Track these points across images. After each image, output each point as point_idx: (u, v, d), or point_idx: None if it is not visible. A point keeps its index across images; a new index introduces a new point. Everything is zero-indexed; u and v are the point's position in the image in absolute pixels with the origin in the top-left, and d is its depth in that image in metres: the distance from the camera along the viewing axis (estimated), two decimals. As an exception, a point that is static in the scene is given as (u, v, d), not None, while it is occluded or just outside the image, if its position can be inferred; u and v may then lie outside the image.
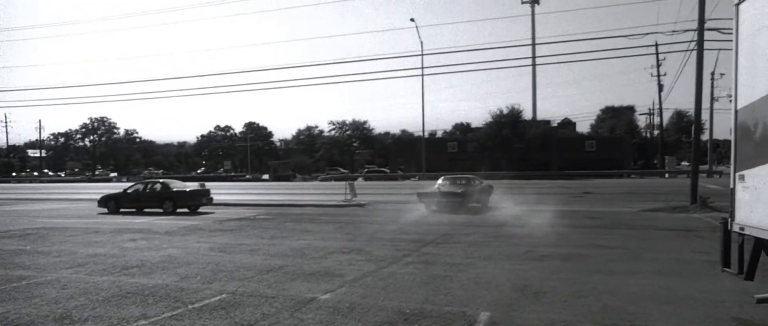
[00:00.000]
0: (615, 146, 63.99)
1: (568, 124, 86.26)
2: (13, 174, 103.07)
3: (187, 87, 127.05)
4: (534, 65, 71.08)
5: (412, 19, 54.97)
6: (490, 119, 62.59)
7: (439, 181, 22.54)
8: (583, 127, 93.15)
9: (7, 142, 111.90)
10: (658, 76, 50.18)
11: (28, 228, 16.40)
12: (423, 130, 63.46)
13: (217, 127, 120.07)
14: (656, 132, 64.51)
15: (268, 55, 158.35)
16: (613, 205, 21.99)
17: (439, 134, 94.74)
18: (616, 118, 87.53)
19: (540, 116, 76.64)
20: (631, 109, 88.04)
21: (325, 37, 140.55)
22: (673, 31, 43.33)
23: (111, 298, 7.16)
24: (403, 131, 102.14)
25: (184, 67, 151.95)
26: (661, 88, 50.58)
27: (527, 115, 67.65)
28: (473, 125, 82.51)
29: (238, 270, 9.00)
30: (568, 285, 7.68)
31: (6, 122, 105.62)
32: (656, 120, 60.39)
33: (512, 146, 58.14)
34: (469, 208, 20.22)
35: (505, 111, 61.65)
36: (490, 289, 7.48)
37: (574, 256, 10.07)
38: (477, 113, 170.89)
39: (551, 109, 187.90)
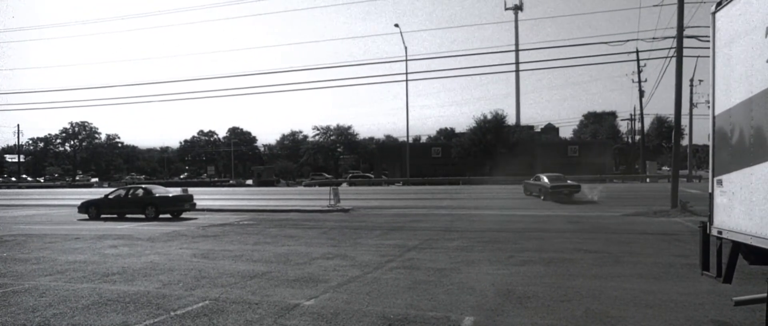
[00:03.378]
0: (597, 151, 64.65)
1: (551, 130, 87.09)
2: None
3: (170, 91, 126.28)
4: (517, 71, 71.74)
5: (396, 25, 55.19)
6: (473, 125, 62.94)
7: (544, 177, 28.71)
8: (566, 132, 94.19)
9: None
10: (639, 82, 50.83)
11: (5, 234, 16.13)
12: (407, 136, 63.67)
13: (201, 132, 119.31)
14: (638, 137, 65.33)
15: (252, 59, 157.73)
16: (594, 210, 22.21)
17: (424, 139, 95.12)
18: (598, 124, 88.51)
19: (523, 122, 77.47)
20: (613, 115, 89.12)
21: (309, 42, 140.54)
22: (654, 38, 44.04)
23: (91, 306, 7.06)
24: (388, 136, 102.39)
25: (168, 72, 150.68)
26: (642, 93, 51.23)
27: (511, 120, 68.27)
28: (457, 130, 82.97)
29: (222, 277, 8.93)
30: (552, 289, 7.74)
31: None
32: (637, 125, 61.17)
33: (496, 151, 58.51)
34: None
35: (489, 116, 62.02)
36: (474, 294, 7.51)
37: (557, 260, 10.15)
38: (461, 119, 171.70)
39: (534, 115, 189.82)
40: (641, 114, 54.58)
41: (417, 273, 9.13)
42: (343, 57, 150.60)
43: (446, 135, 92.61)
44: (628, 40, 63.49)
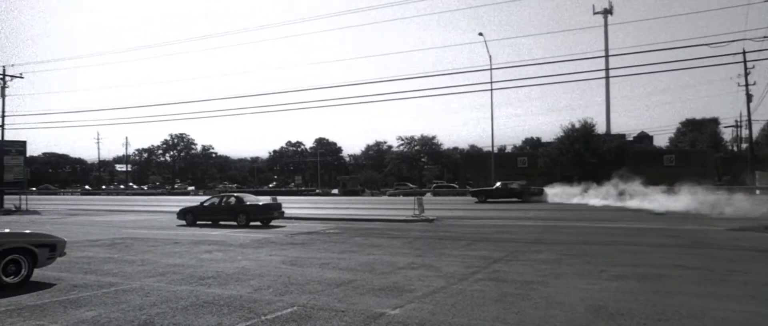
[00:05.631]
0: (697, 160, 60.69)
1: (644, 138, 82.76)
2: (103, 186, 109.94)
3: (260, 104, 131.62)
4: (607, 77, 68.77)
5: (480, 34, 54.50)
6: (561, 134, 61.05)
7: None
8: (661, 141, 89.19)
9: (99, 157, 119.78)
10: (746, 85, 47.16)
11: (116, 237, 17.38)
12: (492, 145, 62.72)
13: (289, 143, 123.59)
14: (745, 145, 60.67)
15: (338, 71, 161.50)
16: (694, 222, 20.82)
17: (509, 149, 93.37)
18: (697, 131, 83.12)
19: (614, 130, 74.01)
20: (714, 122, 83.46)
21: (394, 53, 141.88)
22: (765, 37, 40.70)
23: (189, 307, 7.46)
24: (472, 146, 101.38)
25: (258, 85, 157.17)
26: (749, 98, 47.56)
27: (600, 128, 65.52)
28: (544, 140, 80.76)
29: (309, 284, 9.16)
30: (647, 307, 7.32)
31: (98, 139, 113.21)
32: (744, 132, 56.85)
33: (584, 161, 56.39)
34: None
35: (577, 125, 59.94)
36: (563, 309, 7.24)
37: (653, 276, 9.60)
38: (547, 128, 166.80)
39: (626, 123, 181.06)
40: (749, 120, 50.67)
41: (503, 285, 8.94)
42: (427, 67, 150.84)
43: (532, 144, 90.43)
44: (733, 41, 59.10)
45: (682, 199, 28.97)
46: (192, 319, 6.79)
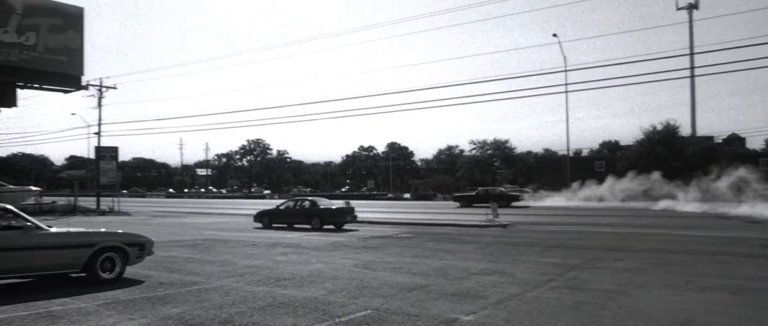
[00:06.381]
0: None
1: (735, 140, 77.80)
2: (185, 190, 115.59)
3: (333, 109, 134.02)
4: (693, 76, 65.09)
5: (554, 35, 53.18)
6: (641, 136, 58.45)
7: None
8: (755, 143, 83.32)
9: (182, 162, 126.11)
10: None
11: (197, 239, 18.19)
12: (567, 149, 60.83)
13: (361, 148, 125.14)
14: None
15: (409, 75, 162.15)
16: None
17: (585, 152, 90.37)
18: (796, 133, 77.15)
19: (700, 132, 69.91)
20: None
21: (467, 56, 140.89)
22: None
23: (266, 307, 7.69)
24: (546, 150, 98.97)
25: (331, 91, 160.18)
26: None
27: (685, 130, 62.16)
28: (622, 143, 77.57)
29: (382, 287, 9.23)
30: (741, 322, 6.88)
31: (181, 145, 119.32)
32: None
33: (668, 165, 53.66)
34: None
35: (659, 127, 57.18)
36: (645, 321, 6.92)
37: (747, 290, 8.98)
38: (626, 130, 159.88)
39: (714, 124, 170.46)
40: None
41: (580, 294, 8.65)
42: (500, 70, 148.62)
43: (610, 148, 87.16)
44: (834, 37, 54.51)
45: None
46: (269, 319, 7.00)
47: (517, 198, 44.29)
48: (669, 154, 54.69)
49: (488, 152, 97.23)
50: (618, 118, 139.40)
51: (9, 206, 9.27)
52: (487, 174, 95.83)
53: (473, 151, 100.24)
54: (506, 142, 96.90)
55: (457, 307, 7.70)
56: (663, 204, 37.41)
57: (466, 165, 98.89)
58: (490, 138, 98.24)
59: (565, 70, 46.44)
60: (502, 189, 48.06)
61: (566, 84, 45.69)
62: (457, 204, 45.77)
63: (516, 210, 35.30)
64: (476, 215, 27.03)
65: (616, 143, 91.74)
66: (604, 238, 17.87)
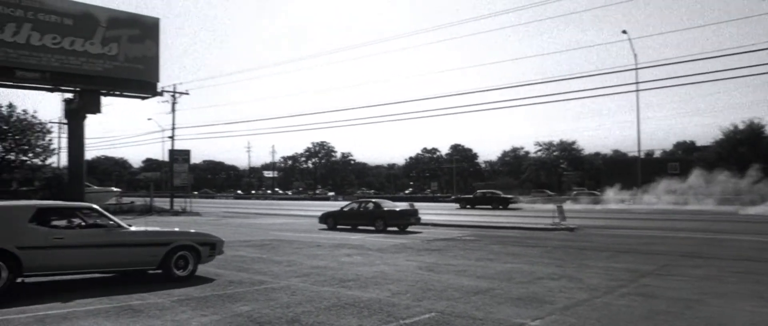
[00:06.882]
0: None
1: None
2: (252, 191, 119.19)
3: (396, 112, 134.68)
4: (779, 73, 61.13)
5: (624, 31, 51.19)
6: (720, 137, 55.42)
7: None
8: None
9: (249, 165, 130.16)
10: None
11: (264, 239, 18.70)
12: (638, 150, 58.50)
13: (424, 150, 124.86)
14: None
15: (471, 77, 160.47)
16: None
17: (657, 154, 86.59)
18: None
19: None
20: None
21: (532, 56, 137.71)
22: None
23: (332, 307, 7.81)
24: (616, 151, 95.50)
25: (394, 93, 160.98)
26: None
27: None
28: (698, 143, 73.80)
29: (446, 290, 9.17)
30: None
31: (248, 148, 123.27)
32: None
33: (751, 167, 50.58)
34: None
35: (741, 126, 54.02)
36: (726, 331, 6.55)
37: (841, 300, 8.34)
38: (702, 130, 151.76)
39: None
40: None
41: (654, 301, 8.29)
42: (566, 69, 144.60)
43: (685, 149, 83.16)
44: None
45: None
46: (334, 319, 7.10)
47: (512, 201, 48.24)
48: (752, 154, 51.52)
49: (554, 154, 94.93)
50: (695, 117, 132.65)
51: (95, 206, 9.89)
52: (553, 176, 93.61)
53: (539, 153, 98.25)
54: (573, 143, 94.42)
55: (523, 312, 7.55)
56: (753, 209, 35.19)
57: (532, 167, 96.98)
58: (556, 139, 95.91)
59: (636, 68, 44.68)
60: (498, 191, 51.64)
61: (637, 82, 43.92)
62: (457, 205, 49.27)
63: (587, 213, 34.21)
64: (542, 218, 26.42)
65: (692, 143, 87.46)
66: (681, 244, 17.06)
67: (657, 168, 62.97)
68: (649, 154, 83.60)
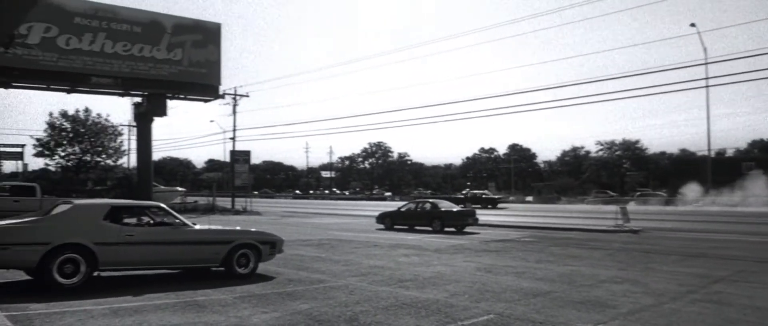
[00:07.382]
0: None
1: None
2: (310, 191, 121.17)
3: (454, 112, 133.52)
4: None
5: (692, 24, 48.95)
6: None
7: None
8: None
9: (307, 165, 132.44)
10: None
11: (322, 238, 18.97)
12: (708, 149, 55.66)
13: (482, 150, 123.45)
14: None
15: (530, 76, 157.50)
16: None
17: (730, 153, 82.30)
18: None
19: None
20: None
21: (595, 53, 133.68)
22: None
23: (389, 307, 7.83)
24: (683, 150, 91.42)
25: (451, 93, 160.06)
26: None
27: None
28: (777, 142, 69.64)
29: (505, 292, 9.04)
30: None
31: (307, 148, 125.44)
32: None
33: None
34: None
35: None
36: (808, 342, 6.16)
37: None
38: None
39: None
40: None
41: (727, 309, 7.88)
42: (625, 66, 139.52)
43: (762, 147, 78.63)
44: None
45: None
46: (392, 319, 7.13)
47: (501, 201, 51.17)
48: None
49: (616, 153, 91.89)
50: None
51: (163, 205, 10.32)
52: (615, 177, 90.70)
53: (600, 152, 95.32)
54: (636, 142, 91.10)
55: (585, 316, 7.35)
56: None
57: (593, 166, 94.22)
58: (618, 138, 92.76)
59: (706, 63, 42.61)
60: (487, 192, 54.11)
61: (707, 78, 41.92)
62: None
63: (653, 216, 32.93)
64: (604, 219, 25.60)
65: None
66: (757, 249, 16.16)
67: (730, 168, 59.88)
68: (720, 153, 79.61)
